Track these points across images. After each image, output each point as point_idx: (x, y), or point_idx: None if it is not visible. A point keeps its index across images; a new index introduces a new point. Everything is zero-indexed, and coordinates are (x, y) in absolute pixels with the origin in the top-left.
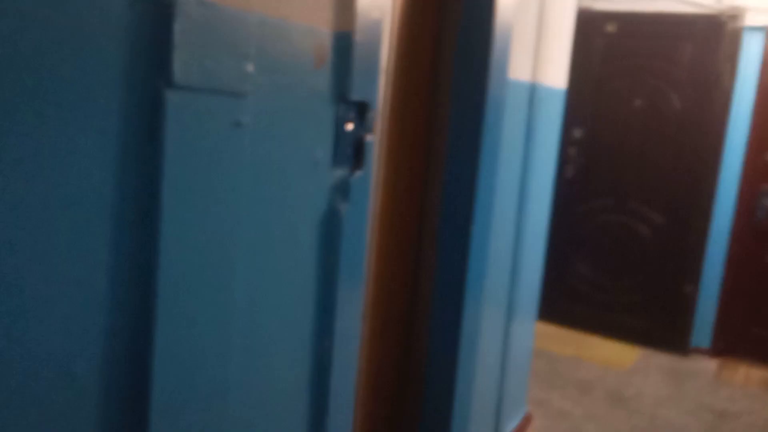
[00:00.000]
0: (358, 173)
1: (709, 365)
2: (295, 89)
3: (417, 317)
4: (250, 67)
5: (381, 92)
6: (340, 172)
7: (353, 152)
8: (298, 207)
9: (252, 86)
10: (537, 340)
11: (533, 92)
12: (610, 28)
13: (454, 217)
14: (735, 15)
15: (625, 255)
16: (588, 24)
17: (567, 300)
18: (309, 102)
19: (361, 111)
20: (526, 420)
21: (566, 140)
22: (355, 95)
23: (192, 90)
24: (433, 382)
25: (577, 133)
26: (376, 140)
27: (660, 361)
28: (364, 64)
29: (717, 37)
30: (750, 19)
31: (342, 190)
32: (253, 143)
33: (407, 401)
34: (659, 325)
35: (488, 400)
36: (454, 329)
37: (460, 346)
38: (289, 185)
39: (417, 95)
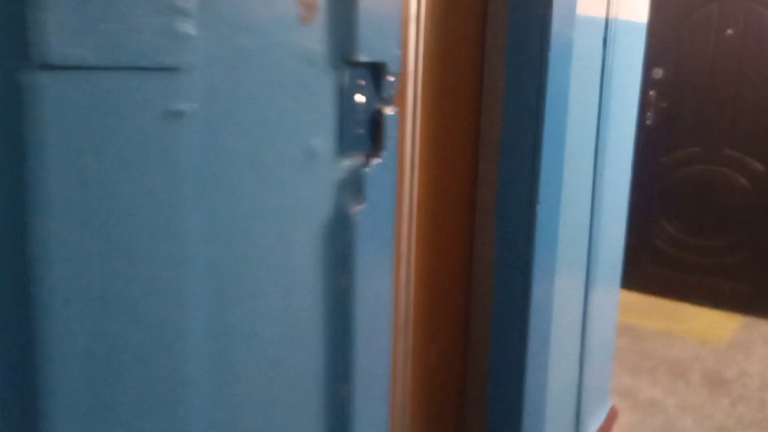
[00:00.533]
0: (376, 161)
1: None
2: (269, 54)
3: (475, 312)
4: (188, 28)
5: (410, 47)
6: (349, 163)
7: (368, 133)
8: (286, 218)
9: (195, 57)
10: (620, 313)
11: (608, 29)
12: None
13: (515, 183)
14: None
15: (720, 210)
16: None
17: (653, 264)
18: (294, 71)
19: (377, 75)
20: (612, 416)
21: (645, 82)
22: (366, 55)
23: (80, 71)
24: (498, 382)
25: (658, 73)
26: (405, 112)
27: (766, 331)
28: (378, 9)
29: None
30: None
31: (353, 186)
32: (206, 140)
33: (469, 408)
34: (764, 288)
35: (565, 396)
36: (520, 313)
37: (529, 333)
38: (269, 191)
39: (461, 44)
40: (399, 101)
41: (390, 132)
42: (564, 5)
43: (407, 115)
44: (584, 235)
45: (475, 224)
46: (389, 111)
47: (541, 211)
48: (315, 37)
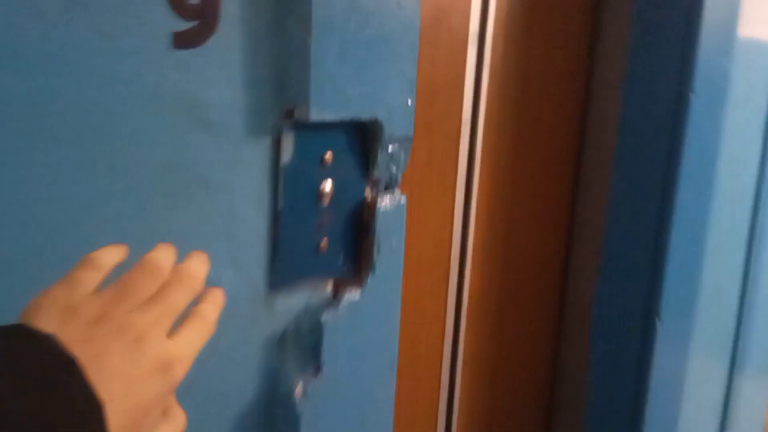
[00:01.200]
0: (353, 294)
1: None
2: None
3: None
4: None
5: (468, 82)
6: (295, 302)
7: (344, 244)
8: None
9: None
10: None
11: None
12: None
13: (623, 291)
14: None
15: None
16: None
17: None
18: (167, 140)
19: (365, 142)
20: None
21: None
22: (331, 109)
23: None
24: None
25: None
26: (454, 188)
27: None
28: (365, 19)
29: None
30: None
31: (303, 343)
32: None
33: None
34: None
35: None
36: (633, 399)
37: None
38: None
39: (550, 76)
40: (440, 171)
41: (386, 239)
42: (718, 23)
43: (457, 192)
44: (732, 305)
45: (559, 345)
46: (387, 203)
47: (663, 330)
48: (210, 75)
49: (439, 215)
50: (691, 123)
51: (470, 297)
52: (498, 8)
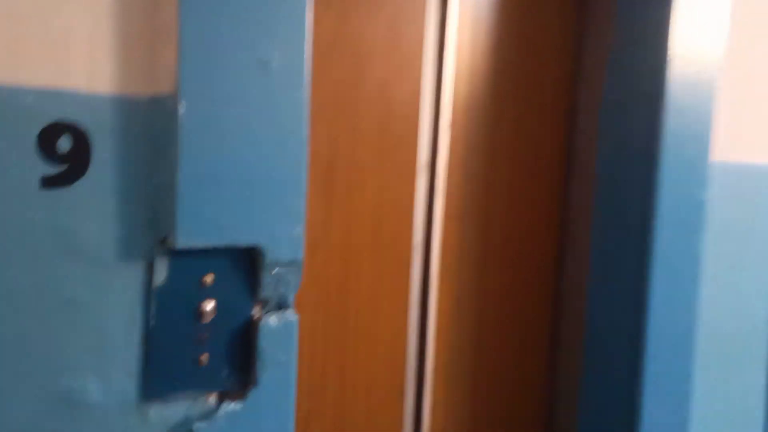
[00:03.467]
0: (234, 406)
1: None
2: None
3: None
4: None
5: (417, 220)
6: (170, 413)
7: (230, 358)
8: None
9: None
10: None
11: None
12: None
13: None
14: None
15: None
16: None
17: None
18: (45, 269)
19: (252, 264)
20: None
21: None
22: (205, 236)
23: None
24: None
25: None
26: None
27: None
28: (242, 145)
29: None
30: None
31: None
32: None
33: None
34: None
35: None
36: None
37: None
38: None
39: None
40: (391, 289)
41: (273, 354)
42: (679, 146)
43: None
44: None
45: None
46: (274, 321)
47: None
48: (79, 210)
49: (392, 333)
50: (654, 270)
51: (432, 418)
52: (451, 138)
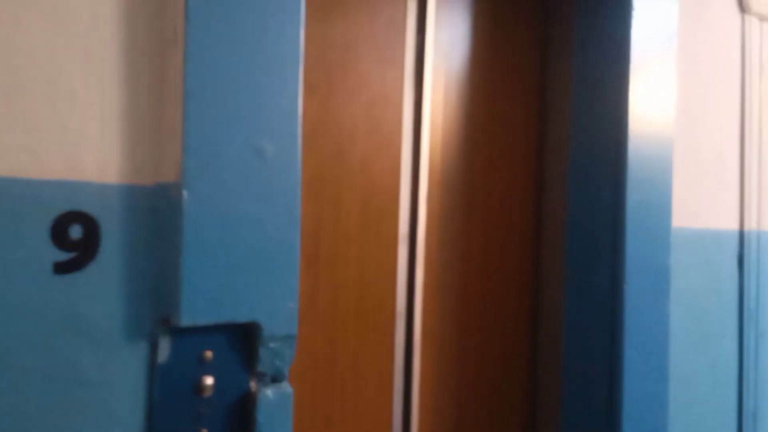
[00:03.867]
0: None
1: None
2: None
3: None
4: None
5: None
6: None
7: (227, 429)
8: None
9: None
10: None
11: (745, 244)
12: None
13: None
14: None
15: None
16: None
17: None
18: (51, 351)
19: (248, 340)
20: None
21: None
22: (204, 314)
23: None
24: None
25: None
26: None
27: None
28: (238, 213)
29: None
30: None
31: None
32: None
33: None
34: None
35: None
36: None
37: None
38: None
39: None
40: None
41: (269, 427)
42: (645, 215)
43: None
44: None
45: None
46: (271, 395)
47: None
48: (88, 294)
49: (377, 400)
50: (627, 332)
51: None
52: (429, 209)
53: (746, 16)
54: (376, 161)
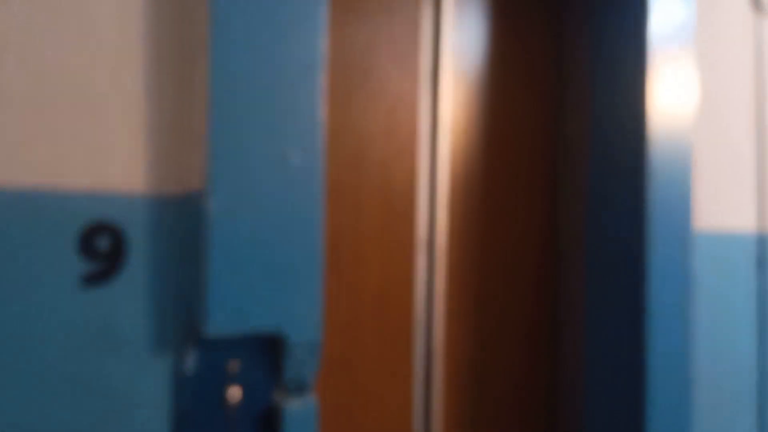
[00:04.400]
0: None
1: None
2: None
3: None
4: None
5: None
6: None
7: None
8: None
9: None
10: None
11: (765, 246)
12: None
13: None
14: None
15: None
16: None
17: None
18: (78, 363)
19: (273, 351)
20: None
21: None
22: (231, 324)
23: None
24: None
25: None
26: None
27: None
28: (267, 214)
29: None
30: None
31: None
32: None
33: None
34: None
35: None
36: None
37: None
38: None
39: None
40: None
41: None
42: (666, 217)
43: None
44: None
45: None
46: (296, 405)
47: None
48: (115, 305)
49: (396, 408)
50: (651, 342)
51: None
52: (447, 214)
53: (760, 17)
54: (395, 165)
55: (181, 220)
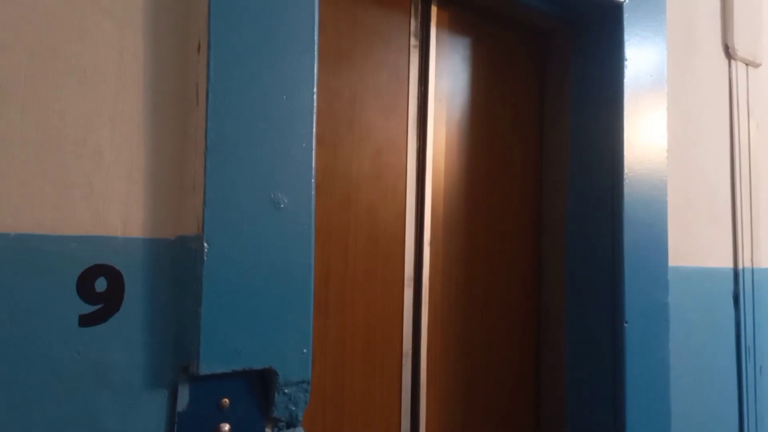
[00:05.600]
0: None
1: None
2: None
3: None
4: None
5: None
6: None
7: None
8: None
9: None
10: None
11: (739, 282)
12: None
13: None
14: None
15: None
16: None
17: None
18: (77, 397)
19: (264, 385)
20: None
21: None
22: (223, 363)
23: None
24: None
25: None
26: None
27: None
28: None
29: None
30: None
31: None
32: None
33: None
34: None
35: None
36: None
37: None
38: None
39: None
40: (381, 399)
41: None
42: (640, 256)
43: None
44: None
45: None
46: None
47: None
48: (111, 344)
49: None
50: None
51: None
52: (433, 253)
53: (732, 62)
54: (382, 207)
55: (177, 262)
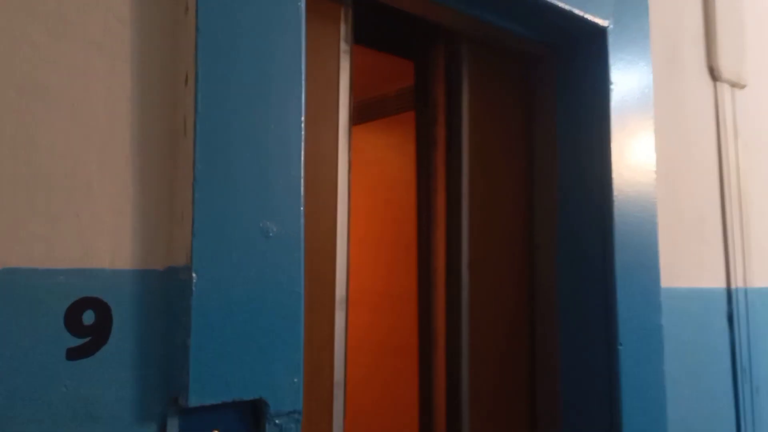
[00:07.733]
0: None
1: None
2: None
3: None
4: None
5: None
6: None
7: None
8: None
9: None
10: None
11: (733, 302)
12: None
13: None
14: None
15: None
16: None
17: None
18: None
19: (254, 416)
20: None
21: None
22: (213, 394)
23: None
24: None
25: None
26: None
27: None
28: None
29: None
30: None
31: None
32: None
33: None
34: None
35: None
36: None
37: None
38: None
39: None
40: None
41: None
42: (632, 278)
43: None
44: None
45: None
46: None
47: None
48: (99, 378)
49: None
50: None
51: None
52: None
53: (718, 84)
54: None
55: (166, 293)
